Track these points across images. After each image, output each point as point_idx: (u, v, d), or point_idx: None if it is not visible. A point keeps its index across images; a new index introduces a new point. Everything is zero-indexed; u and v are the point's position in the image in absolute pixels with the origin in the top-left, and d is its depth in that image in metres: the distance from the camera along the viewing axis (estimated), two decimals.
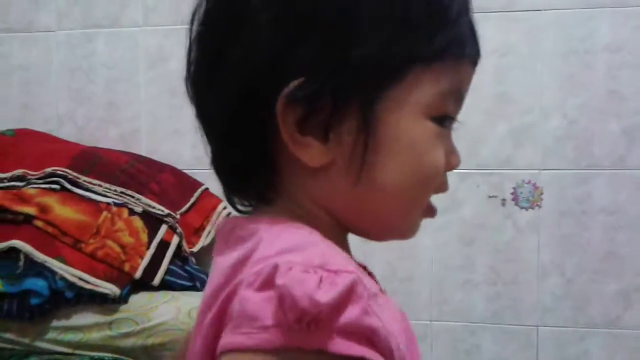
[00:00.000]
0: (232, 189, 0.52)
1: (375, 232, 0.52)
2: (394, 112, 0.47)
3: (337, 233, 0.50)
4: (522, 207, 1.64)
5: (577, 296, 1.63)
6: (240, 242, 0.47)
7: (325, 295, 0.39)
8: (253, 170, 0.49)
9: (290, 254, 0.42)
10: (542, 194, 1.64)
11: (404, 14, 0.46)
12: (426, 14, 0.46)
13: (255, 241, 0.45)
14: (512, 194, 1.65)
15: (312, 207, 0.49)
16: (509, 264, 1.65)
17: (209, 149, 0.52)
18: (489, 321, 1.66)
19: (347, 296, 0.39)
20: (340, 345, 0.39)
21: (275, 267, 0.40)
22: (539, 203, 1.64)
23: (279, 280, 0.39)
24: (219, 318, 0.42)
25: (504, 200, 1.65)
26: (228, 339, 0.40)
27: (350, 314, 0.39)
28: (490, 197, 1.65)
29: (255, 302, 0.40)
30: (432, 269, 1.68)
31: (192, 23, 0.50)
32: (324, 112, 0.46)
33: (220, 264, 0.48)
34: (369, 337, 0.40)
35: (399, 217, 0.51)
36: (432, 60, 0.47)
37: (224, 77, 0.48)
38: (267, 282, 0.40)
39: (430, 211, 0.52)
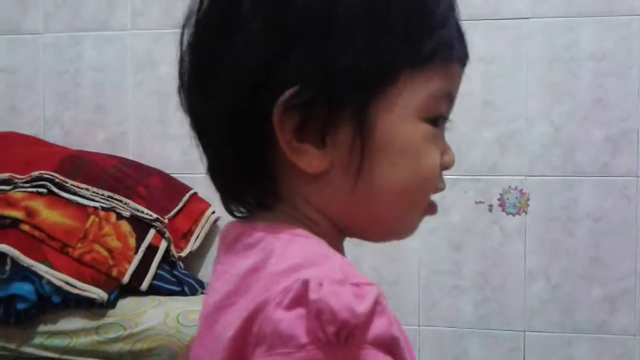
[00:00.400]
0: (230, 197, 0.52)
1: (375, 234, 0.52)
2: (387, 116, 0.47)
3: (336, 238, 0.51)
4: (508, 213, 1.66)
5: (563, 301, 1.64)
6: (248, 249, 0.47)
7: (361, 306, 0.39)
8: (251, 179, 0.49)
9: (310, 268, 0.42)
10: (528, 200, 1.65)
11: (391, 19, 0.46)
12: (413, 19, 0.47)
13: (265, 250, 0.46)
14: (499, 199, 1.66)
15: (311, 213, 0.49)
16: (496, 269, 1.67)
17: (204, 157, 0.52)
18: (476, 326, 1.67)
19: (375, 308, 0.40)
20: (373, 356, 0.40)
21: (305, 284, 0.40)
22: (525, 209, 1.65)
23: (314, 296, 0.39)
24: (243, 337, 0.42)
25: (491, 206, 1.67)
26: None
27: (379, 325, 0.40)
28: (477, 202, 1.67)
29: (288, 321, 0.40)
30: (420, 273, 1.69)
31: (182, 33, 0.50)
32: (320, 119, 0.46)
33: (227, 271, 0.48)
34: (390, 346, 0.41)
35: (398, 219, 0.51)
36: (421, 63, 0.47)
37: (218, 88, 0.48)
38: (297, 300, 0.40)
39: (431, 208, 0.52)
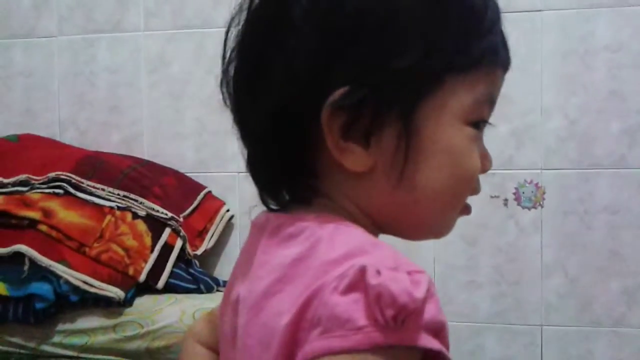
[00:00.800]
0: (268, 190, 0.53)
1: (412, 233, 0.54)
2: (432, 119, 0.48)
3: (373, 233, 0.51)
4: (524, 207, 1.65)
5: (581, 295, 1.63)
6: (290, 239, 0.48)
7: (418, 292, 0.41)
8: (292, 174, 0.50)
9: (362, 256, 0.43)
10: (544, 193, 1.64)
11: (443, 24, 0.47)
12: (464, 25, 0.48)
13: (310, 240, 0.47)
14: (514, 194, 1.65)
15: (350, 208, 0.50)
16: (512, 263, 1.65)
17: (244, 152, 0.53)
18: (493, 321, 1.66)
19: (428, 294, 0.42)
20: (426, 340, 0.41)
21: (362, 270, 0.41)
22: (541, 203, 1.64)
23: (373, 281, 0.41)
24: (296, 323, 0.43)
25: (506, 200, 1.65)
26: (320, 343, 0.41)
27: (430, 310, 0.42)
28: (492, 197, 1.66)
29: (344, 305, 0.41)
30: (436, 269, 1.69)
31: (228, 30, 0.51)
32: (366, 119, 0.47)
33: (268, 261, 0.49)
34: (438, 331, 0.42)
35: (437, 219, 0.52)
36: (468, 68, 0.48)
37: (266, 87, 0.49)
38: (353, 285, 0.41)
39: (466, 209, 0.54)
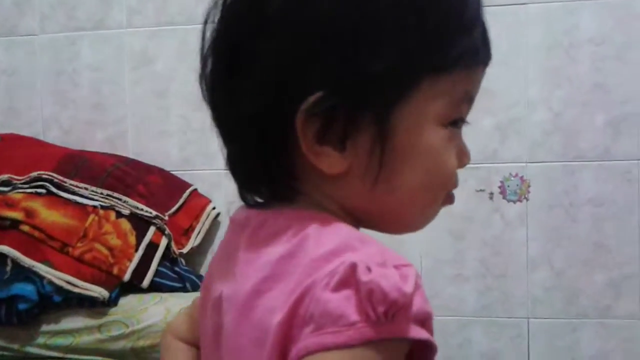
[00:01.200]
0: (247, 189, 0.53)
1: (391, 228, 0.54)
2: (408, 122, 0.47)
3: (355, 227, 0.51)
4: (510, 201, 1.65)
5: (567, 287, 1.63)
6: (276, 236, 0.48)
7: (407, 287, 0.42)
8: (270, 174, 0.50)
9: (350, 252, 0.44)
10: (529, 186, 1.64)
11: (418, 28, 0.46)
12: (440, 27, 0.47)
13: (296, 236, 0.47)
14: (499, 187, 1.65)
15: (330, 205, 0.50)
16: (498, 257, 1.66)
17: (224, 149, 0.52)
18: (479, 314, 1.67)
19: (415, 286, 0.43)
20: (415, 331, 0.42)
21: (352, 267, 0.42)
22: (526, 196, 1.64)
23: (364, 278, 0.41)
24: (290, 321, 0.44)
25: (491, 194, 1.66)
26: (313, 339, 0.42)
27: (417, 302, 0.43)
28: (478, 191, 1.66)
29: (336, 301, 0.42)
30: (422, 263, 1.69)
31: (205, 24, 0.50)
32: (341, 123, 0.47)
33: (255, 259, 0.49)
34: (425, 321, 0.44)
35: (416, 216, 0.53)
36: (445, 70, 0.48)
37: (240, 88, 0.48)
38: (344, 282, 0.42)
39: (449, 199, 0.54)
